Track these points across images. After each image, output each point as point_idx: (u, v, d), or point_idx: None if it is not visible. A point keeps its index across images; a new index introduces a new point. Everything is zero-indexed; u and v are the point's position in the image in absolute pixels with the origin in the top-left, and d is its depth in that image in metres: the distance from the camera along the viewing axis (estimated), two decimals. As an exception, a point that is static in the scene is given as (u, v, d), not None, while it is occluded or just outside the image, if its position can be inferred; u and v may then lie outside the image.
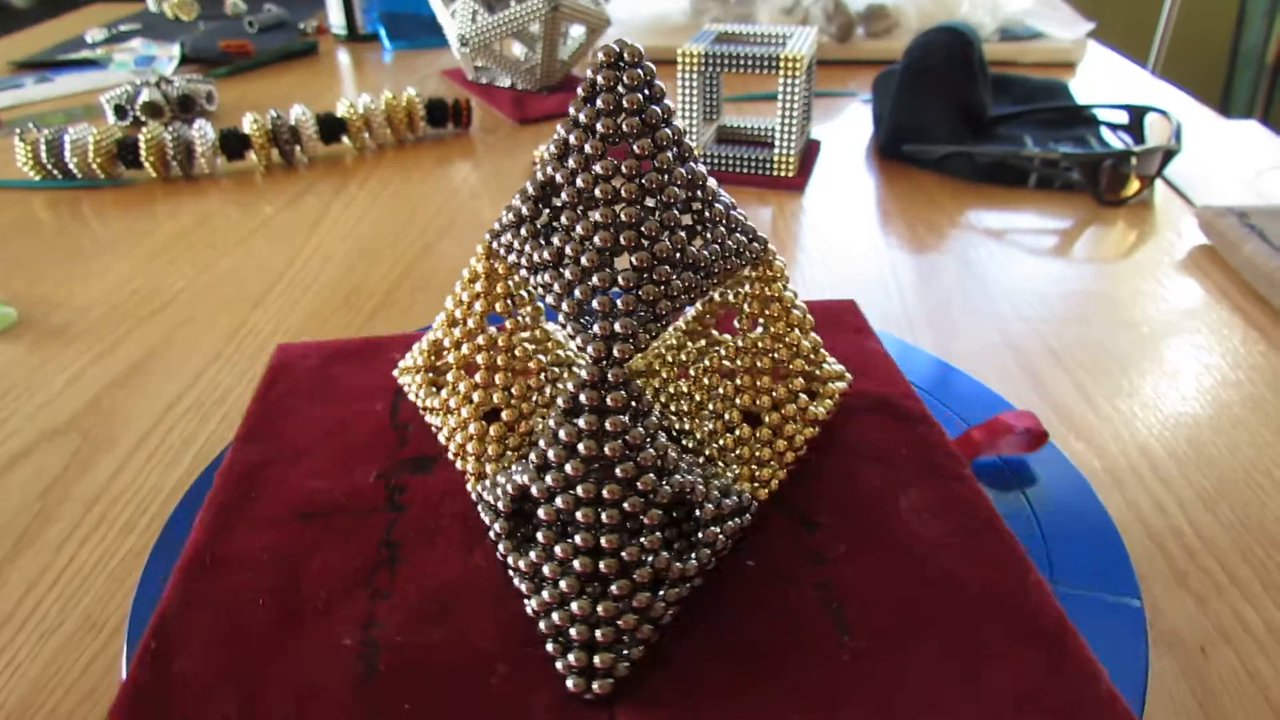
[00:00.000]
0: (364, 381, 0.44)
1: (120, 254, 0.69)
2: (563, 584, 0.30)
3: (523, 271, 0.34)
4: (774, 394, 0.37)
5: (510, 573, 0.32)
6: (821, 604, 0.31)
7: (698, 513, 0.32)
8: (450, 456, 0.38)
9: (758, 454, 0.37)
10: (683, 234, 0.32)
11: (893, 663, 0.29)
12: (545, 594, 0.30)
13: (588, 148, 0.31)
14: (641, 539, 0.30)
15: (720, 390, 0.37)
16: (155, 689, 0.29)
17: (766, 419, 0.37)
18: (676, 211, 0.32)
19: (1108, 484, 0.44)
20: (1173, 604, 0.37)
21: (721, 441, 0.37)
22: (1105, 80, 1.07)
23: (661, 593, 0.30)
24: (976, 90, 0.80)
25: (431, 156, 0.88)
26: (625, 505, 0.30)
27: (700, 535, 0.32)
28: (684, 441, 0.37)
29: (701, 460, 0.36)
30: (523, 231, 0.34)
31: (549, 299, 0.33)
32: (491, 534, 0.34)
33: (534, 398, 0.38)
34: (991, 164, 0.76)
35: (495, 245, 0.36)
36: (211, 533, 0.35)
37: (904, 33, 1.14)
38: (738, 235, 0.35)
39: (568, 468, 0.30)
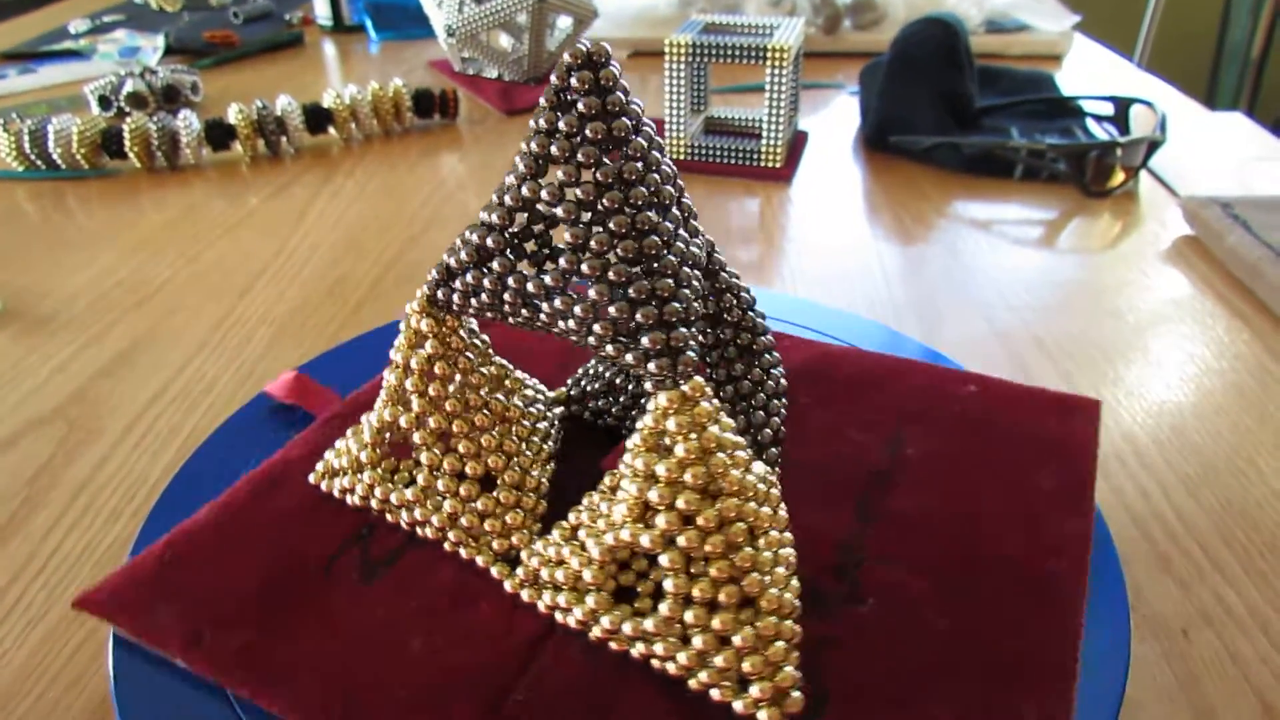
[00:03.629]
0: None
1: (105, 244, 0.69)
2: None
3: (489, 313, 0.32)
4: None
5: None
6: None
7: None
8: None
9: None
10: (684, 233, 0.30)
11: None
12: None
13: (580, 156, 0.29)
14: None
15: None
16: None
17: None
18: (676, 212, 0.31)
19: (1092, 470, 0.44)
20: (1155, 588, 0.37)
21: None
22: (1091, 73, 1.07)
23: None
24: (963, 81, 0.81)
25: (418, 148, 0.88)
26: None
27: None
28: None
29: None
30: (494, 267, 0.31)
31: (564, 324, 0.30)
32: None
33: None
34: (978, 155, 0.76)
35: (440, 296, 0.33)
36: None
37: (891, 25, 1.14)
38: (698, 228, 0.33)
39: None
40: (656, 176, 0.30)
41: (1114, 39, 1.31)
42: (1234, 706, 0.32)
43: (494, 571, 0.33)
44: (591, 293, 0.29)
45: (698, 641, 0.28)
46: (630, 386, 0.40)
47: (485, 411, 0.35)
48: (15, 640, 0.36)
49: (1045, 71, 0.95)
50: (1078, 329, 0.56)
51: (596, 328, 0.29)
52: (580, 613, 0.30)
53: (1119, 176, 0.72)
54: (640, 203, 0.29)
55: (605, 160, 0.29)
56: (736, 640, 0.28)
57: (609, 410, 0.41)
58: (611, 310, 0.29)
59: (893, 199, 0.75)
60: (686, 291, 0.29)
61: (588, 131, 0.29)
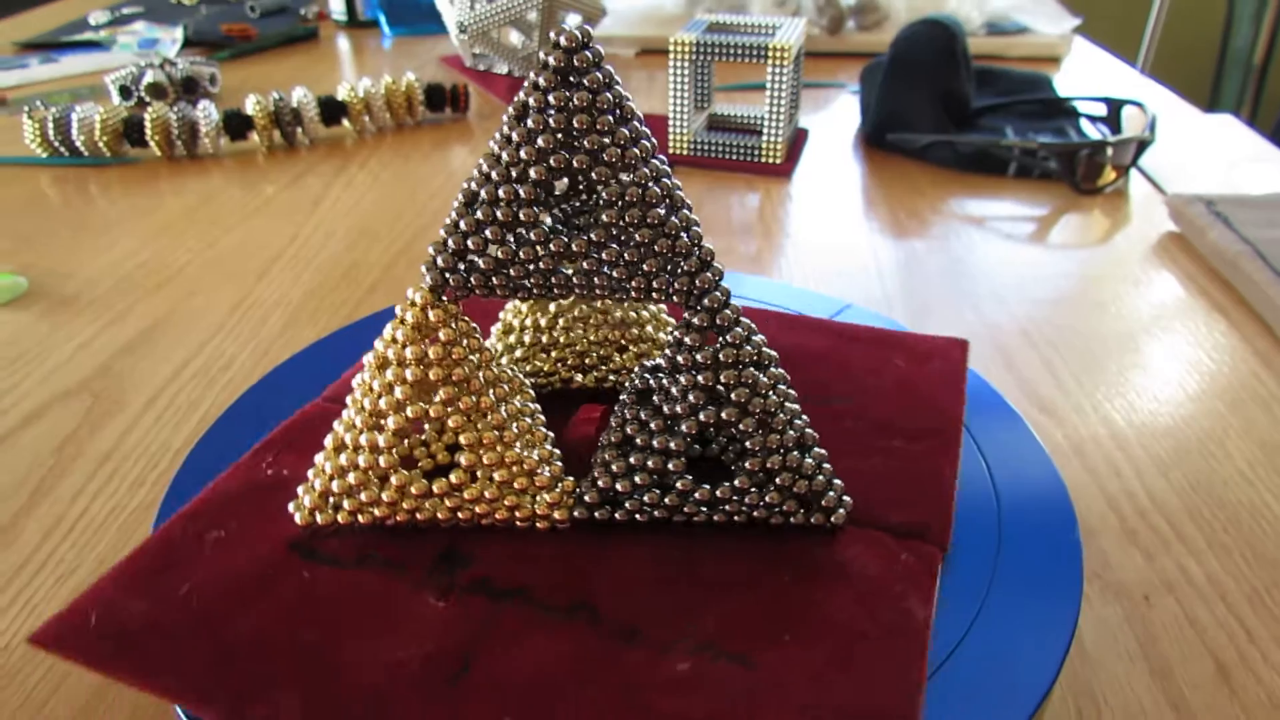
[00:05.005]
0: (232, 575, 0.34)
1: (126, 229, 0.71)
2: (789, 460, 0.35)
3: (502, 290, 0.34)
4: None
5: (710, 509, 0.35)
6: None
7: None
8: (502, 515, 0.35)
9: None
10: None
11: (865, 393, 0.43)
12: (779, 480, 0.35)
13: (599, 124, 0.32)
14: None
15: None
16: None
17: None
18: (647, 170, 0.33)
19: (1068, 451, 0.46)
20: (1121, 558, 0.39)
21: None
22: (1089, 76, 1.09)
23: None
24: (959, 81, 0.83)
25: (429, 140, 0.90)
26: (782, 377, 0.35)
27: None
28: None
29: None
30: (530, 235, 0.33)
31: (602, 278, 0.33)
32: (666, 503, 0.35)
33: (538, 411, 0.39)
34: (973, 153, 0.78)
35: (452, 283, 0.34)
36: None
37: (894, 26, 1.16)
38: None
39: (744, 377, 0.34)
40: (647, 129, 0.33)
41: (1117, 45, 1.33)
42: (1189, 666, 0.35)
43: (555, 515, 0.36)
44: (636, 237, 0.33)
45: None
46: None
47: (502, 385, 0.37)
48: (46, 594, 0.38)
49: (1042, 73, 0.97)
50: (1063, 320, 0.58)
51: (645, 266, 0.33)
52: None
53: (1109, 175, 0.74)
54: (645, 154, 0.32)
55: (621, 123, 0.32)
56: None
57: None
58: (657, 246, 0.33)
59: (889, 195, 0.77)
60: (696, 218, 0.33)
61: (599, 101, 0.31)
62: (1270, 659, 0.35)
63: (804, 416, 0.35)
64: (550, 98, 0.32)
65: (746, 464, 0.35)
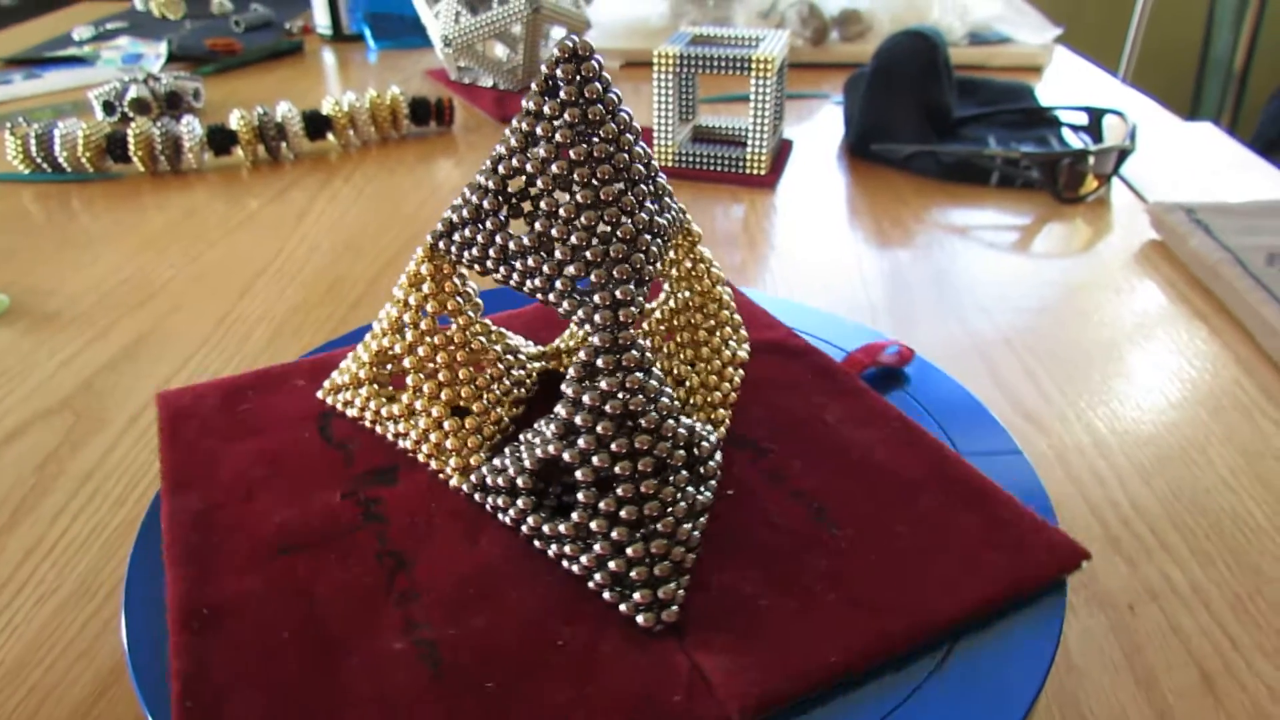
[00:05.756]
0: (278, 411, 0.43)
1: (109, 245, 0.71)
2: (615, 534, 0.33)
3: (477, 266, 0.36)
4: (709, 344, 0.42)
5: (543, 541, 0.35)
6: (806, 510, 0.37)
7: (696, 451, 0.36)
8: (422, 459, 0.40)
9: (708, 399, 0.41)
10: (651, 205, 0.35)
11: (874, 540, 0.35)
12: (597, 548, 0.33)
13: (558, 136, 0.33)
14: (672, 479, 0.33)
15: (664, 349, 0.42)
16: None
17: (707, 366, 0.42)
18: (645, 186, 0.35)
19: (1051, 460, 0.46)
20: (1105, 567, 0.39)
21: (676, 394, 0.40)
22: (1071, 84, 1.10)
23: (692, 523, 0.34)
24: (941, 92, 0.83)
25: (414, 154, 0.90)
26: (657, 451, 0.33)
27: (703, 469, 0.37)
28: None
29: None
30: (487, 225, 0.35)
31: (532, 283, 0.34)
32: (510, 514, 0.36)
33: (495, 388, 0.40)
34: (956, 163, 0.79)
35: (442, 246, 0.37)
36: (193, 583, 0.33)
37: (877, 36, 1.17)
38: (671, 203, 0.38)
39: (599, 428, 0.32)
40: (626, 156, 0.33)
41: (1099, 53, 1.34)
42: (1174, 675, 0.35)
43: (454, 481, 0.39)
44: (556, 253, 0.33)
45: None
46: None
47: (467, 349, 0.39)
48: (26, 615, 0.38)
49: (1024, 82, 0.98)
50: (1046, 329, 0.58)
51: (558, 284, 0.33)
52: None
53: (1091, 184, 0.75)
54: (607, 177, 0.33)
55: (580, 140, 0.33)
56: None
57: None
58: (570, 269, 0.33)
59: (873, 205, 0.77)
60: (641, 255, 0.33)
61: (566, 115, 0.33)
62: (1254, 666, 0.35)
63: (681, 505, 0.33)
64: (531, 104, 0.33)
65: (574, 515, 0.33)
